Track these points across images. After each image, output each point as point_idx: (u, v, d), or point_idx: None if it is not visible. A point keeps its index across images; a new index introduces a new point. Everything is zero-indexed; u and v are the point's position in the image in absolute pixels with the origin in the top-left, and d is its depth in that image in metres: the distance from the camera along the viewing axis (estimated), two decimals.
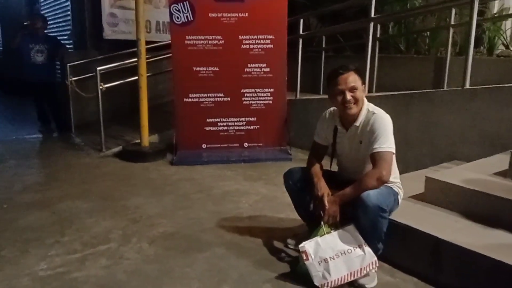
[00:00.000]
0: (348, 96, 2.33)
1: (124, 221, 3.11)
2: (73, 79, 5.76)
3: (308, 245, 2.22)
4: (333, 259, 2.18)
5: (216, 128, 4.90)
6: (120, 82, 5.30)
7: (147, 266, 2.48)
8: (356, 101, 2.35)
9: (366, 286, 2.20)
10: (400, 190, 2.45)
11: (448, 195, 2.57)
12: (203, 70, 4.73)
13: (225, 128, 4.92)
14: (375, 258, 2.21)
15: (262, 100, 4.93)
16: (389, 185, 2.35)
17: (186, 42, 4.65)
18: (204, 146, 4.88)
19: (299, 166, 2.65)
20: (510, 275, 1.92)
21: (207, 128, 4.87)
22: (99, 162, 4.72)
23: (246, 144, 4.97)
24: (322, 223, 2.30)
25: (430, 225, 2.33)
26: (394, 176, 2.42)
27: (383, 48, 5.96)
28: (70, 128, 6.09)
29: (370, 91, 5.06)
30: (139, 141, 4.89)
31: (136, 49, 4.69)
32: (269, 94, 4.93)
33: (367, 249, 2.21)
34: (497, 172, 2.78)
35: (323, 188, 2.38)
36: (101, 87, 4.88)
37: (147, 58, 5.16)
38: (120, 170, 4.44)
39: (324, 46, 6.41)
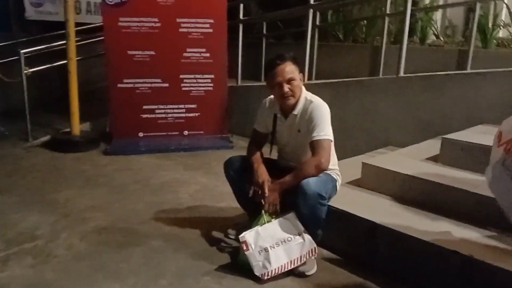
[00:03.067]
0: (286, 88, 2.31)
1: (54, 216, 2.90)
2: None
3: (248, 235, 2.18)
4: (273, 248, 2.17)
5: (153, 116, 4.70)
6: (47, 66, 4.91)
7: (78, 263, 2.32)
8: (293, 92, 2.33)
9: (306, 273, 2.20)
10: (338, 177, 2.47)
11: (383, 180, 2.64)
12: (139, 54, 4.51)
13: (164, 115, 4.74)
14: (315, 245, 2.22)
15: (202, 86, 4.80)
16: (328, 172, 2.36)
17: (119, 24, 4.40)
18: (141, 134, 4.68)
19: (239, 155, 2.60)
20: (441, 257, 1.99)
21: (144, 116, 4.67)
22: (26, 153, 4.38)
23: (186, 132, 4.83)
24: (263, 211, 2.27)
25: (366, 210, 2.38)
26: (333, 163, 2.43)
27: (322, 36, 6.04)
28: None
29: (309, 78, 5.10)
30: (69, 129, 4.59)
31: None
32: (209, 81, 4.81)
33: (307, 236, 2.21)
34: (429, 157, 2.90)
35: (263, 174, 2.35)
36: (25, 71, 4.51)
37: (77, 41, 4.84)
38: (49, 161, 4.15)
39: (265, 32, 6.37)
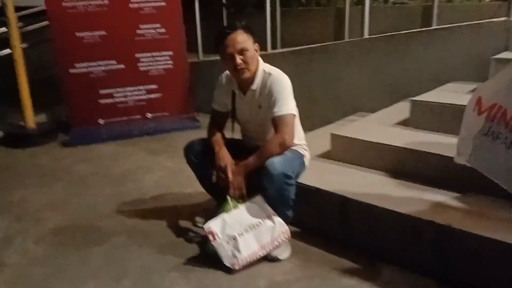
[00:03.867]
0: (238, 59, 2.11)
1: (6, 219, 2.68)
2: None
3: (213, 224, 2.04)
4: (242, 235, 2.03)
5: (112, 100, 4.43)
6: None
7: (32, 270, 2.13)
8: (247, 64, 2.13)
9: (279, 257, 2.09)
10: (306, 152, 2.32)
11: (354, 150, 2.51)
12: (88, 36, 4.19)
13: (123, 99, 4.47)
14: (286, 227, 2.09)
15: (161, 64, 4.53)
16: (294, 148, 2.22)
17: (63, 4, 4.04)
18: (101, 121, 4.41)
19: (200, 138, 2.42)
20: (416, 228, 1.90)
21: (102, 101, 4.38)
22: None
23: (149, 115, 4.58)
24: (228, 197, 2.12)
25: (337, 184, 2.26)
26: (299, 137, 2.29)
27: (285, 1, 5.79)
28: None
29: (274, 47, 4.91)
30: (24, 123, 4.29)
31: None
32: (168, 58, 4.54)
33: (277, 219, 2.07)
34: (399, 122, 2.79)
35: (225, 158, 2.18)
36: None
37: (23, 26, 4.49)
38: (4, 159, 3.86)
39: (224, 2, 6.08)
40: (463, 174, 2.08)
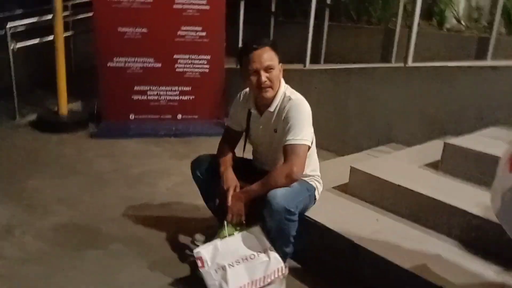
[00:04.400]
0: (263, 77, 1.98)
1: (15, 208, 2.70)
2: None
3: (204, 251, 1.92)
4: (232, 266, 1.89)
5: (145, 97, 4.42)
6: (36, 41, 4.62)
7: (24, 269, 2.12)
8: (272, 83, 2.00)
9: None
10: (318, 184, 2.16)
11: (372, 188, 2.32)
12: (130, 31, 4.20)
13: (156, 97, 4.45)
14: (282, 265, 1.93)
15: (198, 68, 4.47)
16: (305, 179, 2.08)
17: None
18: (132, 116, 4.42)
19: (209, 154, 2.32)
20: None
21: (135, 97, 4.39)
22: (10, 133, 4.16)
23: (179, 116, 4.55)
24: (225, 222, 2.00)
25: (347, 224, 2.09)
26: (313, 168, 2.14)
27: (334, 15, 5.58)
28: None
29: (317, 62, 4.73)
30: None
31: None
32: (205, 62, 4.48)
33: (273, 254, 1.92)
34: (429, 163, 2.54)
35: (229, 180, 2.07)
36: (12, 47, 4.28)
37: (69, 15, 4.61)
38: (31, 143, 3.93)
39: (273, 9, 5.96)
40: (490, 236, 1.86)
